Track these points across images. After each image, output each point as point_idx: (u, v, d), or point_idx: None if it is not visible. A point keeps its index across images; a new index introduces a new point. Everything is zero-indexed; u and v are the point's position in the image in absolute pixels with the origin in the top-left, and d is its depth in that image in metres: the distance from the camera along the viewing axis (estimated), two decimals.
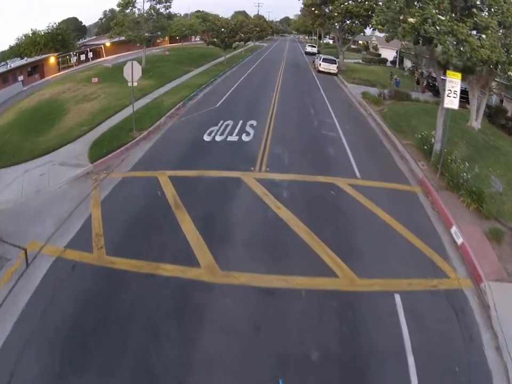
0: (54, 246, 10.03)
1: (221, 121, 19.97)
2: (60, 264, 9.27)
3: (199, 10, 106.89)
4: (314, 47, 65.89)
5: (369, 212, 11.41)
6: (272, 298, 8.12)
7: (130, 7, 40.63)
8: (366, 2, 38.06)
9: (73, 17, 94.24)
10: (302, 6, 50.11)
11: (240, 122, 19.86)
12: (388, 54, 60.20)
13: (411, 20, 13.51)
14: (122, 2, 40.22)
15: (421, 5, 13.75)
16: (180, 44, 69.38)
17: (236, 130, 18.58)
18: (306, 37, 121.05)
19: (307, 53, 63.44)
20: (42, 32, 54.01)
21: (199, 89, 30.54)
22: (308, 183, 13.01)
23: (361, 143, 18.01)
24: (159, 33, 42.43)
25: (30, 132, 21.93)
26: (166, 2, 41.26)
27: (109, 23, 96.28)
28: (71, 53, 54.17)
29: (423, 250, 9.86)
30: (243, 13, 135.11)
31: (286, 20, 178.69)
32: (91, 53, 58.30)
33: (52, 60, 50.01)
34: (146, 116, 21.79)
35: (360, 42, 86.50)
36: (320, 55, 45.98)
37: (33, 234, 10.55)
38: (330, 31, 56.20)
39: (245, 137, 17.60)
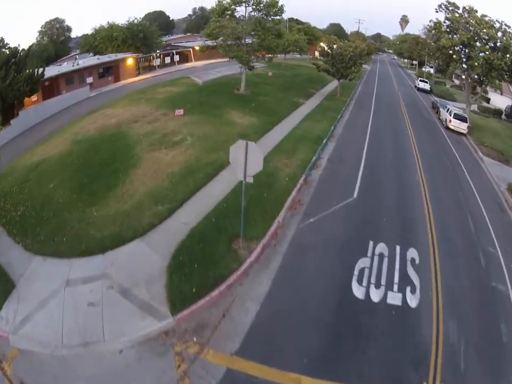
0: None
1: (371, 245, 15.73)
2: None
3: (294, 19, 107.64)
4: (427, 82, 67.18)
5: None
6: None
7: (227, 16, 36.46)
8: (508, 56, 34.48)
9: (160, 10, 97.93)
10: (433, 44, 46.67)
11: (398, 252, 15.64)
12: (498, 100, 59.94)
13: None
14: (216, 8, 36.35)
15: None
16: (282, 57, 66.49)
17: (396, 276, 14.23)
18: (405, 60, 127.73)
19: (419, 89, 65.09)
20: (121, 26, 53.65)
21: (320, 146, 25.17)
22: None
23: None
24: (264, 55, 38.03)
25: (82, 190, 17.91)
26: (275, 16, 36.52)
27: (198, 21, 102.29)
28: (154, 54, 52.96)
29: None
30: (338, 26, 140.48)
31: (378, 36, 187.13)
32: (177, 55, 57.22)
33: (130, 61, 48.45)
34: (256, 204, 16.53)
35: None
36: (448, 106, 42.66)
37: None
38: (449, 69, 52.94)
39: (410, 298, 13.32)
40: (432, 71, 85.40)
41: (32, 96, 33.96)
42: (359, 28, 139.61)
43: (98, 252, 13.89)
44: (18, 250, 14.59)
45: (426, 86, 64.85)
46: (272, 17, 36.08)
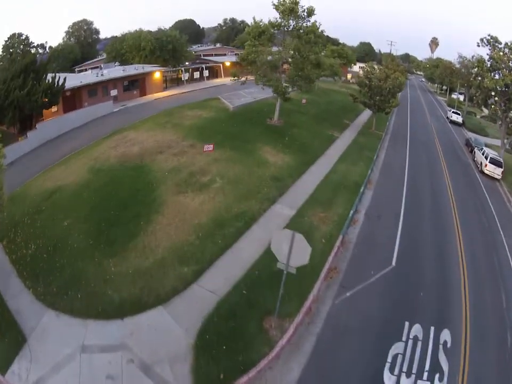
0: None
1: (406, 327, 15.07)
2: None
3: (324, 34, 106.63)
4: (459, 114, 68.16)
5: None
6: None
7: (270, 41, 35.35)
8: None
9: (190, 19, 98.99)
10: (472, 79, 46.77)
11: (432, 334, 15.01)
12: None
13: None
14: (252, 30, 34.85)
15: None
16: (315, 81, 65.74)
17: (427, 363, 13.67)
18: (435, 85, 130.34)
19: (451, 121, 66.08)
20: (150, 32, 53.84)
21: (358, 196, 24.04)
22: None
23: None
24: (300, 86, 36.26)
25: (99, 236, 17.25)
26: (315, 44, 34.75)
27: (228, 32, 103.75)
28: (183, 68, 52.92)
29: None
30: (368, 45, 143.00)
31: (406, 57, 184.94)
32: (207, 71, 57.35)
33: (157, 75, 48.25)
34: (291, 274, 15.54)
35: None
36: (484, 148, 41.76)
37: None
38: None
39: None
40: (462, 98, 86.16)
41: (51, 108, 33.59)
42: (390, 50, 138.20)
43: (117, 317, 13.33)
44: (29, 297, 14.31)
45: (459, 119, 65.55)
46: (313, 45, 34.74)
